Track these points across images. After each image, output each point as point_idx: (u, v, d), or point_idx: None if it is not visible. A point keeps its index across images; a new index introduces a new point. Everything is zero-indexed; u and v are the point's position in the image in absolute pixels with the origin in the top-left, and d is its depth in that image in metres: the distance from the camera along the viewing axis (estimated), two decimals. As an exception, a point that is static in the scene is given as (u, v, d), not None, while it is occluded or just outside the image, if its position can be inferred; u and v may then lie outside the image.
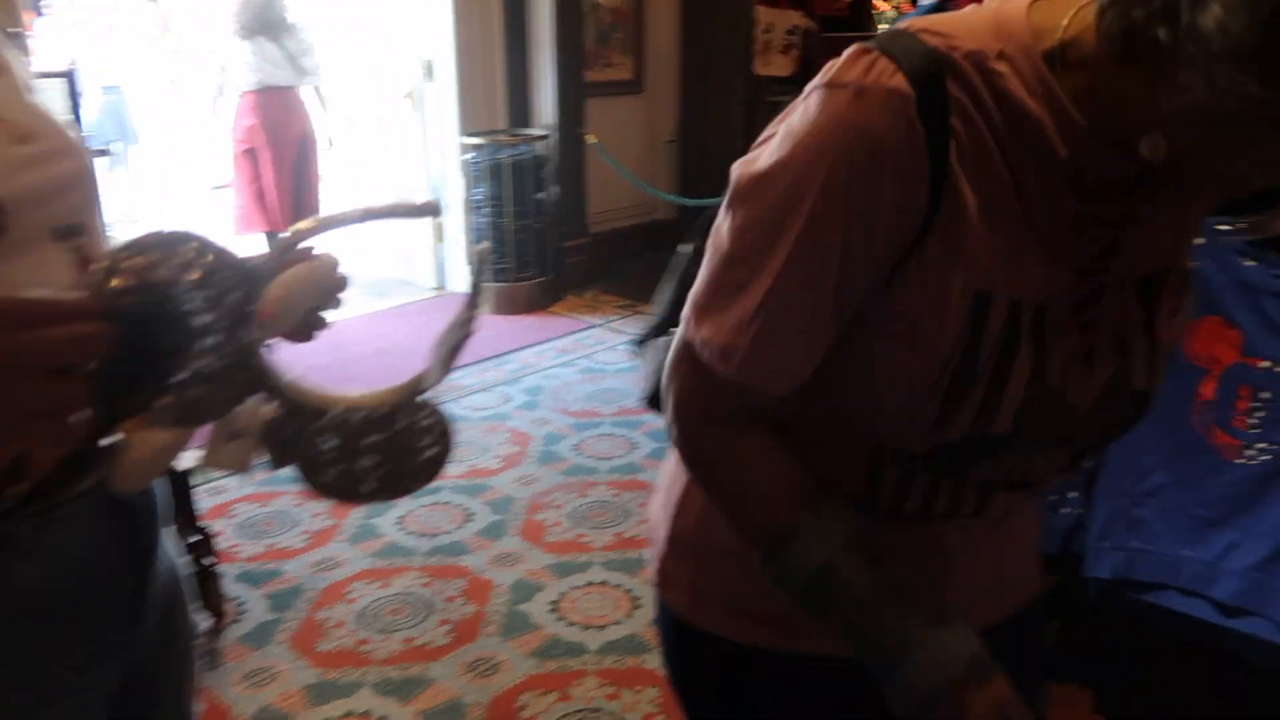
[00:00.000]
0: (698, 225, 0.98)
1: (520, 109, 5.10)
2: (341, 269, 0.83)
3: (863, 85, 0.73)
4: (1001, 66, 0.73)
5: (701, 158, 5.80)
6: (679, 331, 0.86)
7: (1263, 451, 1.66)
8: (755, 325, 0.78)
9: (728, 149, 5.81)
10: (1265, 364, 1.65)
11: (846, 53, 0.76)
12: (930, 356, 0.77)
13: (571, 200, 5.18)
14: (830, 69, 0.76)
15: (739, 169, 0.82)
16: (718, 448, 0.87)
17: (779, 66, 5.86)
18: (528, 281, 4.94)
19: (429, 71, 4.94)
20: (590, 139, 5.13)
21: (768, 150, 0.79)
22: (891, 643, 0.79)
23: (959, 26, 0.75)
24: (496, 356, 4.37)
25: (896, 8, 6.63)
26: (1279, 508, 1.65)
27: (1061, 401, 0.80)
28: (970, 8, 0.79)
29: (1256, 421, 1.67)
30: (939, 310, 0.76)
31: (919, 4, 2.22)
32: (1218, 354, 1.72)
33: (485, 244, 1.38)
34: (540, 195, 4.88)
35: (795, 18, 5.86)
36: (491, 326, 4.73)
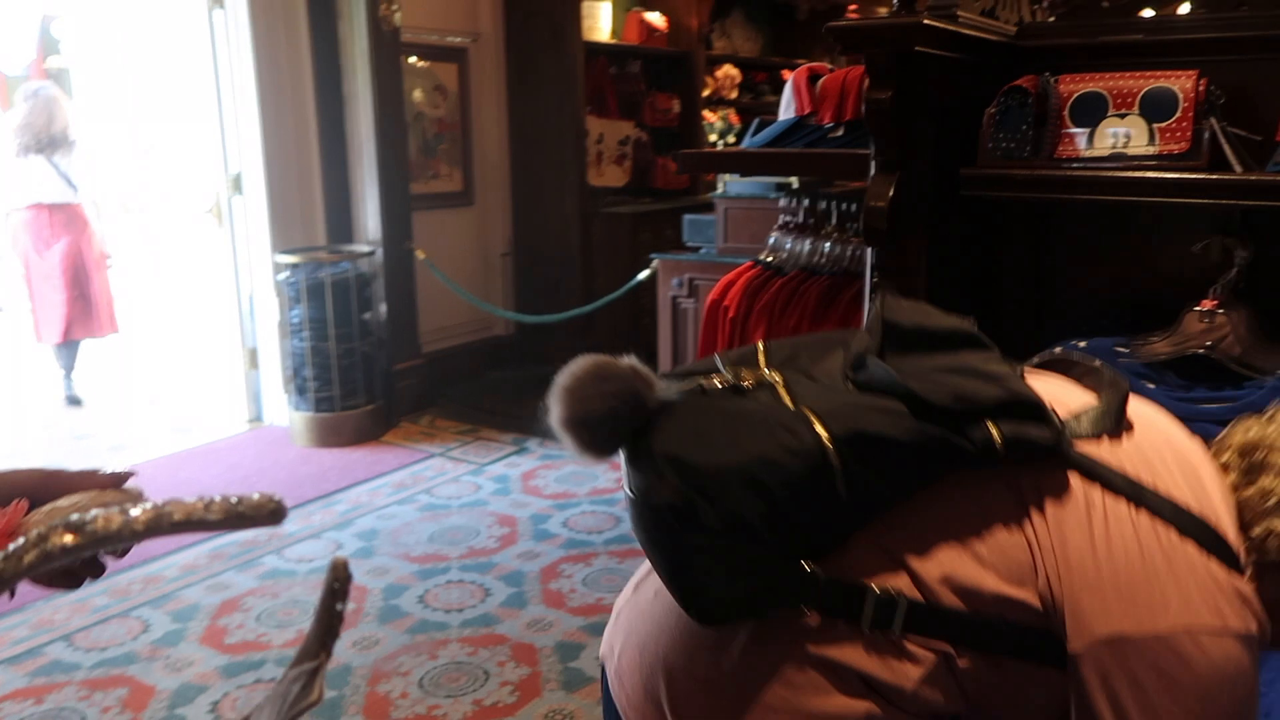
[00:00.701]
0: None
1: (341, 224, 4.75)
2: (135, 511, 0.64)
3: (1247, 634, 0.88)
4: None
5: (538, 271, 5.61)
6: None
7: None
8: None
9: (564, 261, 5.67)
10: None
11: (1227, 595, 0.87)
12: None
13: (401, 319, 4.83)
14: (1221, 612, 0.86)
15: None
16: None
17: (613, 176, 5.79)
18: (355, 410, 4.52)
19: (237, 185, 4.54)
20: (419, 254, 4.83)
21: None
22: None
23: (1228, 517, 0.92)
24: (323, 497, 3.91)
25: (724, 117, 6.75)
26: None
27: None
28: (1206, 477, 0.93)
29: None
30: None
31: (775, 121, 2.12)
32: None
33: (341, 559, 1.13)
34: (366, 315, 4.52)
35: (627, 128, 5.83)
36: (315, 462, 4.27)
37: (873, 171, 1.61)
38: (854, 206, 2.10)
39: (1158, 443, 0.95)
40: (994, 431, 0.88)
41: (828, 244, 2.12)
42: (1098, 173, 1.53)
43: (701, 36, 6.27)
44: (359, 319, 4.46)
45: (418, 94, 5.08)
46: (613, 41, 5.82)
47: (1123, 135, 1.53)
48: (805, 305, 2.08)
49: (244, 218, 4.56)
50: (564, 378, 0.94)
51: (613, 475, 4.13)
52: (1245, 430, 0.98)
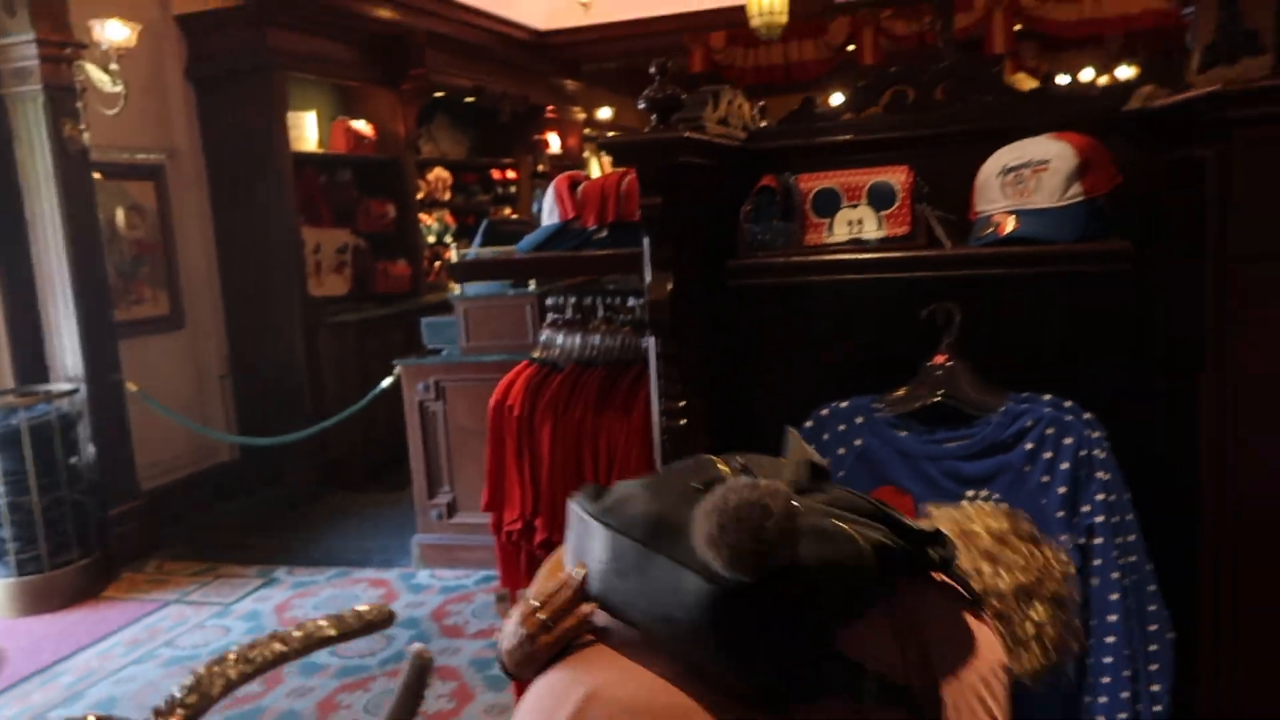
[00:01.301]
0: None
1: (32, 361, 4.27)
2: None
3: None
4: None
5: (261, 389, 5.31)
6: None
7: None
8: None
9: (290, 377, 5.41)
10: (938, 523, 1.76)
11: None
12: None
13: (114, 459, 4.38)
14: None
15: None
16: None
17: (334, 285, 5.65)
18: (68, 567, 4.02)
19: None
20: (130, 386, 4.43)
21: None
22: None
23: None
24: (41, 672, 3.43)
25: (440, 219, 6.82)
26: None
27: None
28: None
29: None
30: None
31: (539, 227, 2.23)
32: (899, 520, 1.81)
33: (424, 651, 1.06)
34: (74, 460, 4.06)
35: (343, 235, 5.73)
36: (25, 633, 3.74)
37: (650, 270, 1.74)
38: (619, 299, 2.24)
39: None
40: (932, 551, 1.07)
41: (598, 336, 2.23)
42: (840, 256, 1.77)
43: (409, 142, 6.33)
44: (65, 465, 4.01)
45: (113, 215, 4.71)
46: (321, 151, 5.74)
47: (857, 223, 1.79)
48: (587, 396, 2.17)
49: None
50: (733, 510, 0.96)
51: (376, 592, 3.96)
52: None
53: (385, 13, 6.41)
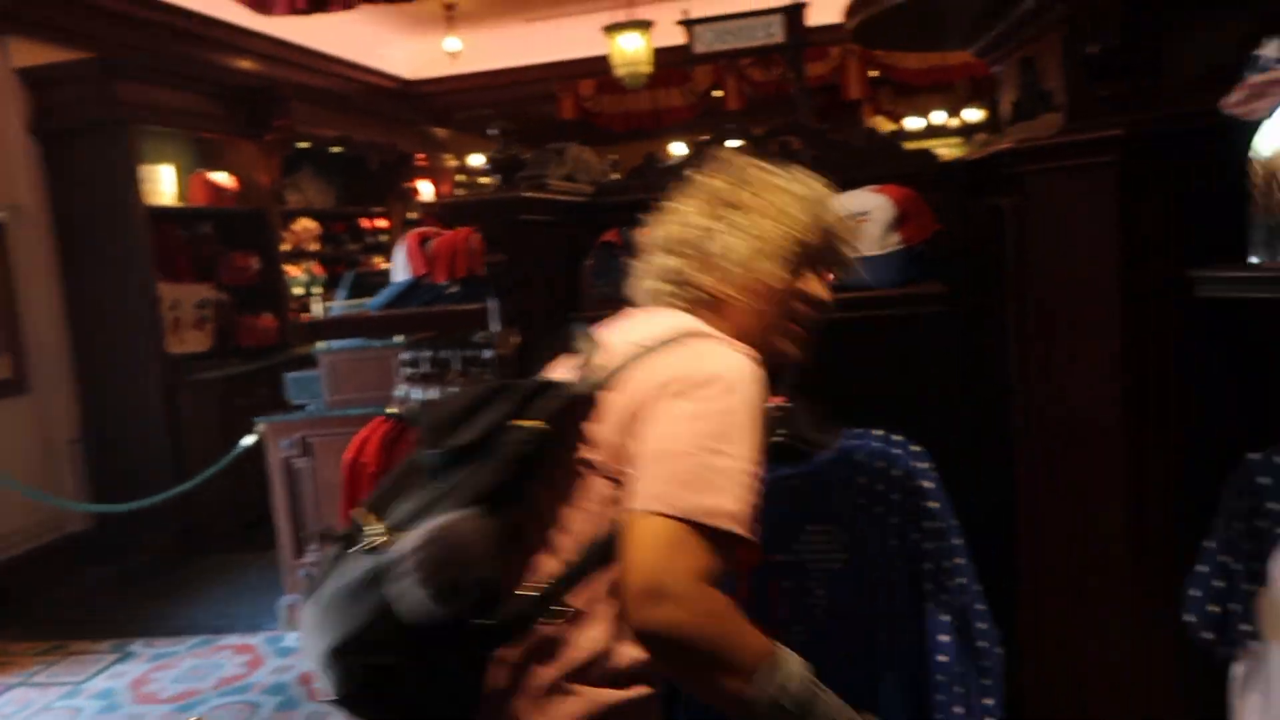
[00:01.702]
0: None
1: None
2: None
3: (752, 354, 1.26)
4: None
5: (117, 453, 5.08)
6: (654, 511, 1.09)
7: (800, 633, 1.83)
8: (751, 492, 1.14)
9: (148, 438, 5.18)
10: (780, 556, 1.84)
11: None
12: None
13: (-49, 534, 4.11)
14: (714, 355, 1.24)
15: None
16: (719, 601, 1.10)
17: (195, 342, 5.46)
18: (-101, 653, 3.74)
19: None
20: (-32, 455, 4.18)
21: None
22: None
23: (744, 349, 1.28)
24: None
25: (308, 269, 6.69)
26: (826, 677, 1.81)
27: None
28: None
29: (787, 609, 1.83)
30: None
31: (389, 284, 2.24)
32: (743, 557, 1.88)
33: None
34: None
35: (204, 290, 5.56)
36: None
37: (498, 325, 1.78)
38: (474, 352, 2.26)
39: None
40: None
41: (455, 390, 2.25)
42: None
43: (274, 193, 6.21)
44: (-106, 543, 3.74)
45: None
46: (179, 204, 5.57)
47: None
48: (444, 450, 2.18)
49: None
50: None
51: (241, 659, 3.82)
52: None
53: (247, 64, 6.31)
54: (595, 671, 1.17)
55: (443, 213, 1.64)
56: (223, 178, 5.86)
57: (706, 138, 2.25)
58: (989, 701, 1.75)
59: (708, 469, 1.10)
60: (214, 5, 5.71)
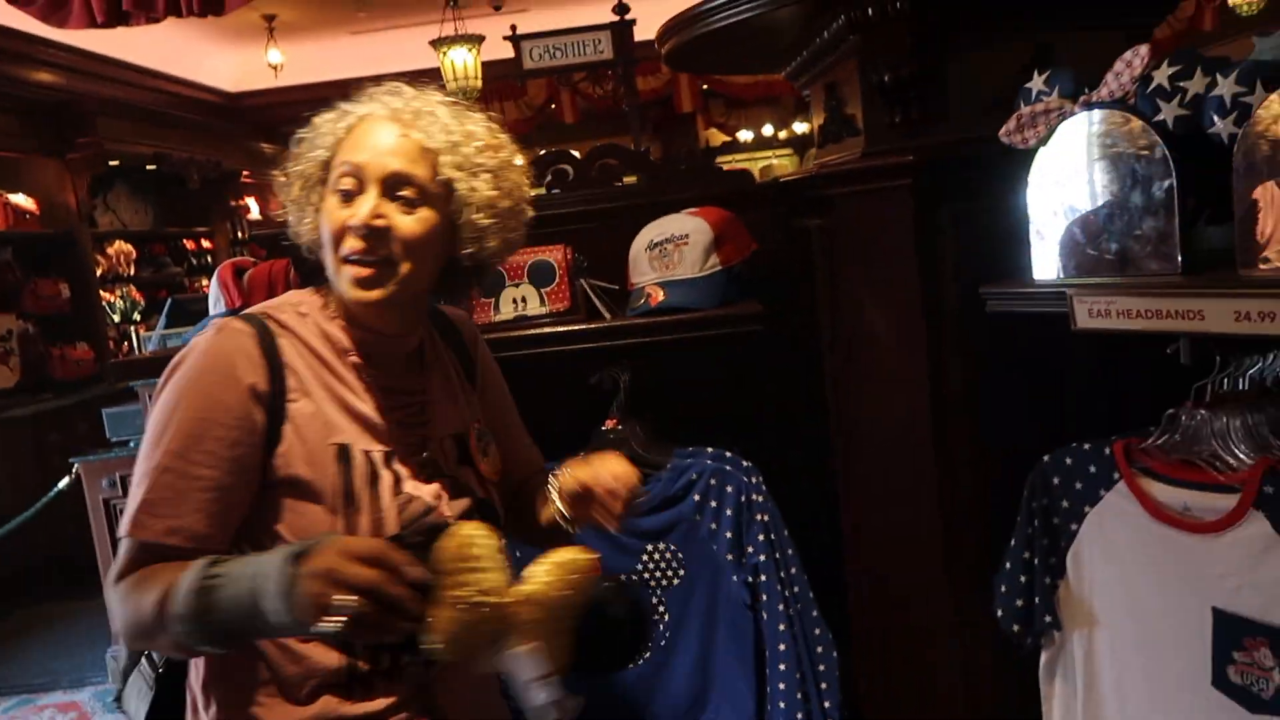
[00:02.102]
0: None
1: None
2: None
3: (221, 326, 1.20)
4: (303, 311, 1.26)
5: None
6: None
7: (648, 647, 1.84)
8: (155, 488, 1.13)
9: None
10: (622, 576, 1.85)
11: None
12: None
13: None
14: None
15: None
16: (127, 587, 1.13)
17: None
18: None
19: None
20: None
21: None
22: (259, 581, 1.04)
23: (275, 307, 1.27)
24: None
25: (125, 295, 6.30)
26: (672, 691, 1.84)
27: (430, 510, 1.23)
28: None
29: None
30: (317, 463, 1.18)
31: (209, 314, 2.13)
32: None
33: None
34: None
35: (6, 321, 5.15)
36: None
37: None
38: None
39: None
40: None
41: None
42: (507, 333, 1.83)
43: (83, 214, 5.81)
44: None
45: None
46: (-30, 229, 5.14)
47: (521, 300, 1.86)
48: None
49: None
50: None
51: (65, 718, 3.55)
52: None
53: (46, 76, 5.87)
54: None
55: (261, 242, 1.58)
56: (22, 200, 5.44)
57: (541, 153, 2.26)
58: (828, 705, 1.81)
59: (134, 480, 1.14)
60: (7, 14, 5.29)
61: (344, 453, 1.18)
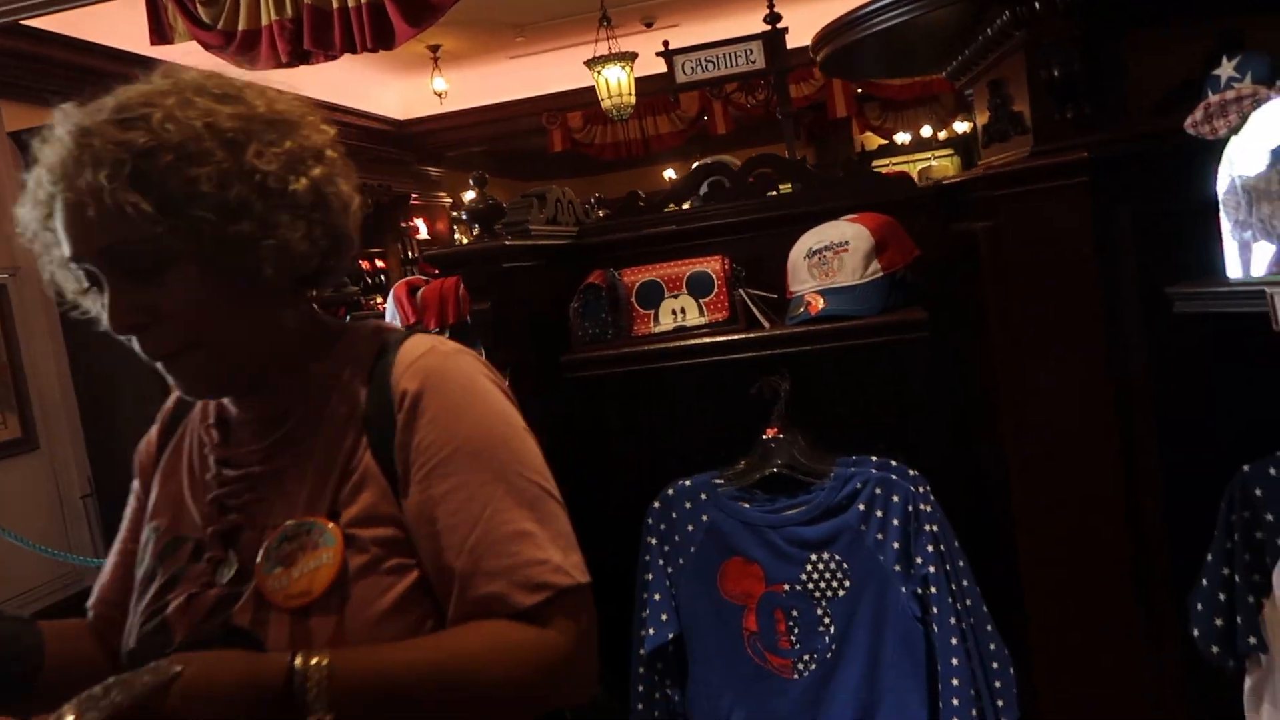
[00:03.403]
0: None
1: None
2: None
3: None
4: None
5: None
6: None
7: (809, 662, 1.83)
8: None
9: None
10: (786, 587, 1.85)
11: None
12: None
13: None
14: None
15: None
16: None
17: (200, 392, 5.49)
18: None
19: None
20: (-22, 520, 4.20)
21: None
22: None
23: None
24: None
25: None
26: (838, 705, 1.82)
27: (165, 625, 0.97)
28: None
29: (795, 639, 1.84)
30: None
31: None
32: (748, 589, 1.88)
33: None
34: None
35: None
36: None
37: (487, 370, 1.80)
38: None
39: None
40: None
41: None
42: (667, 344, 1.86)
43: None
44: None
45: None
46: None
47: (680, 312, 1.89)
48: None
49: None
50: None
51: None
52: None
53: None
54: None
55: (431, 262, 1.68)
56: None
57: (699, 162, 2.28)
58: (1004, 723, 1.75)
59: None
60: (201, 59, 5.78)
61: (149, 536, 1.05)
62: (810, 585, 1.82)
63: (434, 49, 7.02)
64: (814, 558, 1.83)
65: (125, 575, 1.08)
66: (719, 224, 2.09)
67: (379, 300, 7.42)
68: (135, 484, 1.14)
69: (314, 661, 0.83)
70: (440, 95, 7.33)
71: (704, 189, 2.14)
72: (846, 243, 1.82)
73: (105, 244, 0.90)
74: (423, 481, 0.94)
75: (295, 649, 0.85)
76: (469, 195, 9.95)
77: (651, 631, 1.84)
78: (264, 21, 3.86)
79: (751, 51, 5.16)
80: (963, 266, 1.93)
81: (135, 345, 0.94)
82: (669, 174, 11.24)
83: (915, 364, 1.96)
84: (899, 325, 1.75)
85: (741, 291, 1.89)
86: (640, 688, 1.85)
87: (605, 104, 5.98)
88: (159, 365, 0.96)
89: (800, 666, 1.84)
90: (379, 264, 7.99)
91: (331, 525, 0.94)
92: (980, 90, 1.99)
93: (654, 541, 1.88)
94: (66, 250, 0.92)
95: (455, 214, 9.16)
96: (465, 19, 4.19)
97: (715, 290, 1.88)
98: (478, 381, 1.01)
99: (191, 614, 0.95)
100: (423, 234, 8.49)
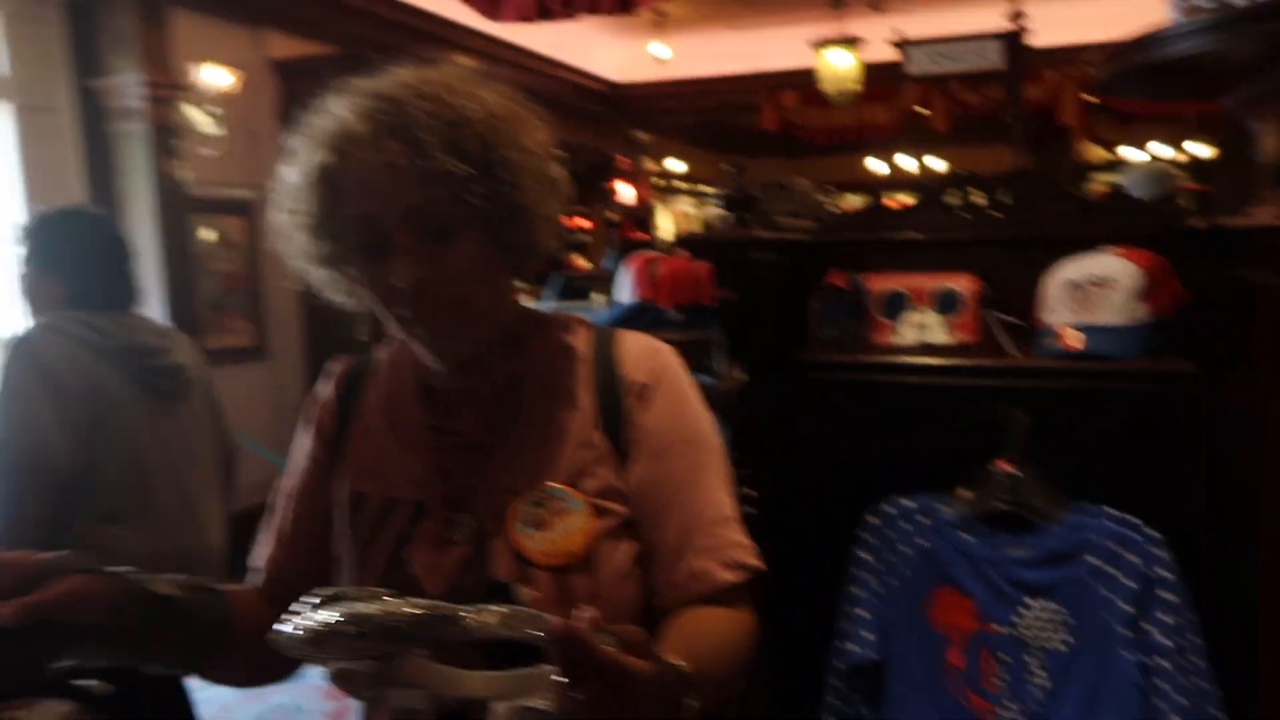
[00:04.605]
0: None
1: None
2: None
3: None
4: (384, 352, 1.16)
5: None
6: None
7: (1015, 712, 1.76)
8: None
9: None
10: (998, 628, 1.78)
11: None
12: None
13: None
14: None
15: None
16: None
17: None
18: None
19: None
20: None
21: None
22: None
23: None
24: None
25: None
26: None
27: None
28: None
29: (1002, 683, 1.77)
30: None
31: (613, 300, 2.32)
32: (958, 622, 1.83)
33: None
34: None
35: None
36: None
37: (722, 359, 1.82)
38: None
39: None
40: None
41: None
42: (909, 359, 1.82)
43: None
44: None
45: (205, 248, 4.94)
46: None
47: (924, 327, 1.84)
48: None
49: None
50: None
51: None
52: None
53: (470, 61, 6.62)
54: None
55: (684, 245, 1.73)
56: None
57: (933, 183, 2.21)
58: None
59: None
60: (445, 6, 6.03)
61: (358, 499, 1.08)
62: (1025, 631, 1.75)
63: (660, 14, 7.06)
64: (1032, 602, 1.76)
65: (301, 540, 1.12)
66: (968, 239, 2.02)
67: (581, 258, 7.59)
68: (309, 441, 1.15)
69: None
70: (660, 61, 7.38)
71: (956, 201, 2.07)
72: (1112, 279, 1.73)
73: (412, 203, 0.96)
74: (648, 462, 1.05)
75: (564, 608, 0.87)
76: (672, 163, 10.03)
77: (853, 647, 1.82)
78: (515, -24, 3.98)
79: (988, 49, 4.96)
80: (1229, 315, 1.80)
81: (401, 310, 0.99)
82: (874, 163, 10.96)
83: (1167, 417, 1.84)
84: (1167, 376, 1.65)
85: (991, 314, 1.83)
86: (833, 701, 1.84)
87: (827, 87, 5.87)
88: (407, 326, 1.01)
89: (1003, 714, 1.77)
90: (582, 223, 8.17)
91: (576, 492, 1.02)
92: (1270, 122, 1.84)
93: (866, 556, 1.86)
94: (355, 208, 0.97)
95: (656, 181, 9.25)
96: (697, -13, 4.24)
97: (963, 309, 1.83)
98: (691, 381, 1.13)
99: (441, 570, 1.00)
100: (624, 198, 8.61)
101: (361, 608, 0.79)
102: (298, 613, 0.82)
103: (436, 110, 0.96)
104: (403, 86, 0.99)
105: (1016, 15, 4.97)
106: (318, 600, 0.82)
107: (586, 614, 0.71)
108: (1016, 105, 5.32)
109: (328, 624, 0.79)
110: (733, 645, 1.00)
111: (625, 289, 2.30)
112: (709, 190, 10.77)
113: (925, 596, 1.81)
